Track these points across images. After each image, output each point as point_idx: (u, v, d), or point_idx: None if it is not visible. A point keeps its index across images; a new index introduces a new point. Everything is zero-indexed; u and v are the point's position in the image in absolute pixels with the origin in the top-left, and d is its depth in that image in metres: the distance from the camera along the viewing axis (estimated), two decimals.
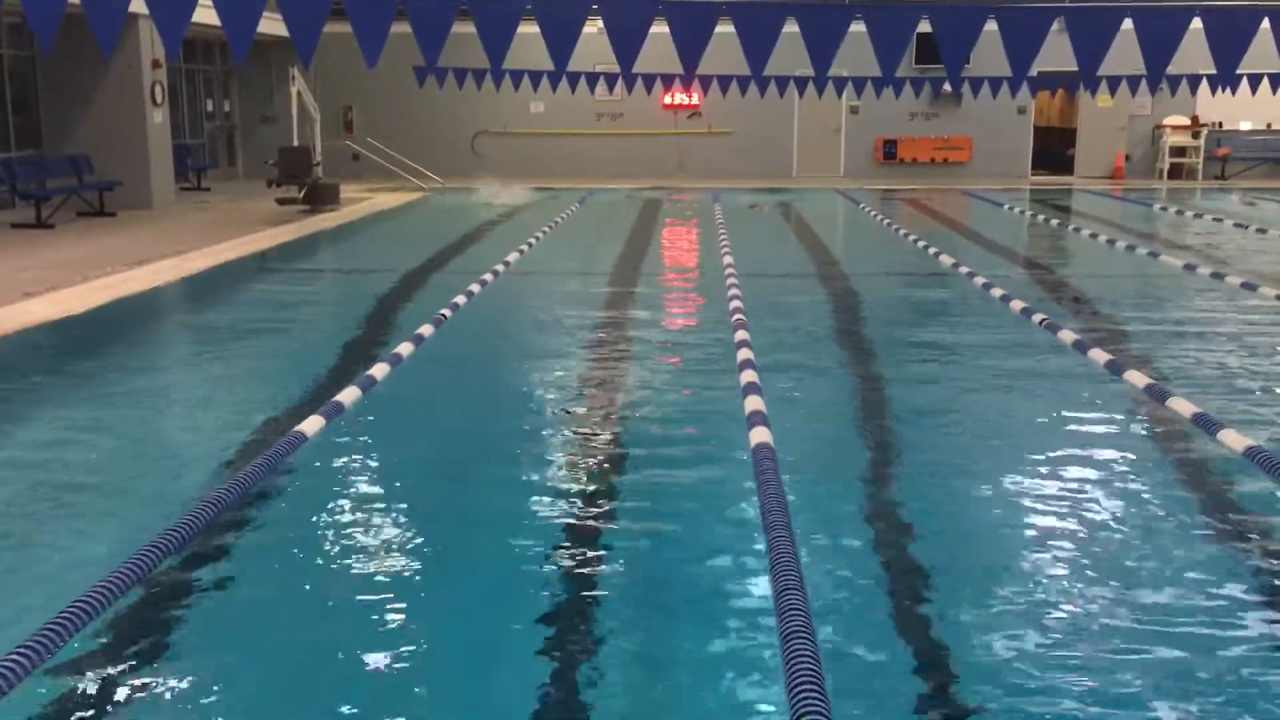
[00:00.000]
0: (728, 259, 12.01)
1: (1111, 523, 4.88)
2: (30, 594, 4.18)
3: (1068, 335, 8.07)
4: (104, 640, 3.76)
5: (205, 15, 6.79)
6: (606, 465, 5.62)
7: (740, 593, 4.19)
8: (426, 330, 8.17)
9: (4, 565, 4.51)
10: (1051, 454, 5.79)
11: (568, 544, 4.64)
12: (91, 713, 3.39)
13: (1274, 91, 14.71)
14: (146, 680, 3.58)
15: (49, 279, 10.75)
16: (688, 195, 21.35)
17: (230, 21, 6.72)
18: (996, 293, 9.93)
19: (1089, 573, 4.38)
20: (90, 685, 3.52)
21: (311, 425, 5.74)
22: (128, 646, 3.78)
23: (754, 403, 6.03)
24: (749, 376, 6.66)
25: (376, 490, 5.34)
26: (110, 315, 9.45)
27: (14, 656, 3.22)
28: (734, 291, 9.81)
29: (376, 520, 4.94)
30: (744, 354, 7.33)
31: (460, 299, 9.43)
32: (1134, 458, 5.77)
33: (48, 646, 3.34)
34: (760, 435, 5.40)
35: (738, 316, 8.67)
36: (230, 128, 24.81)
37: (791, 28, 6.82)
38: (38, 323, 8.84)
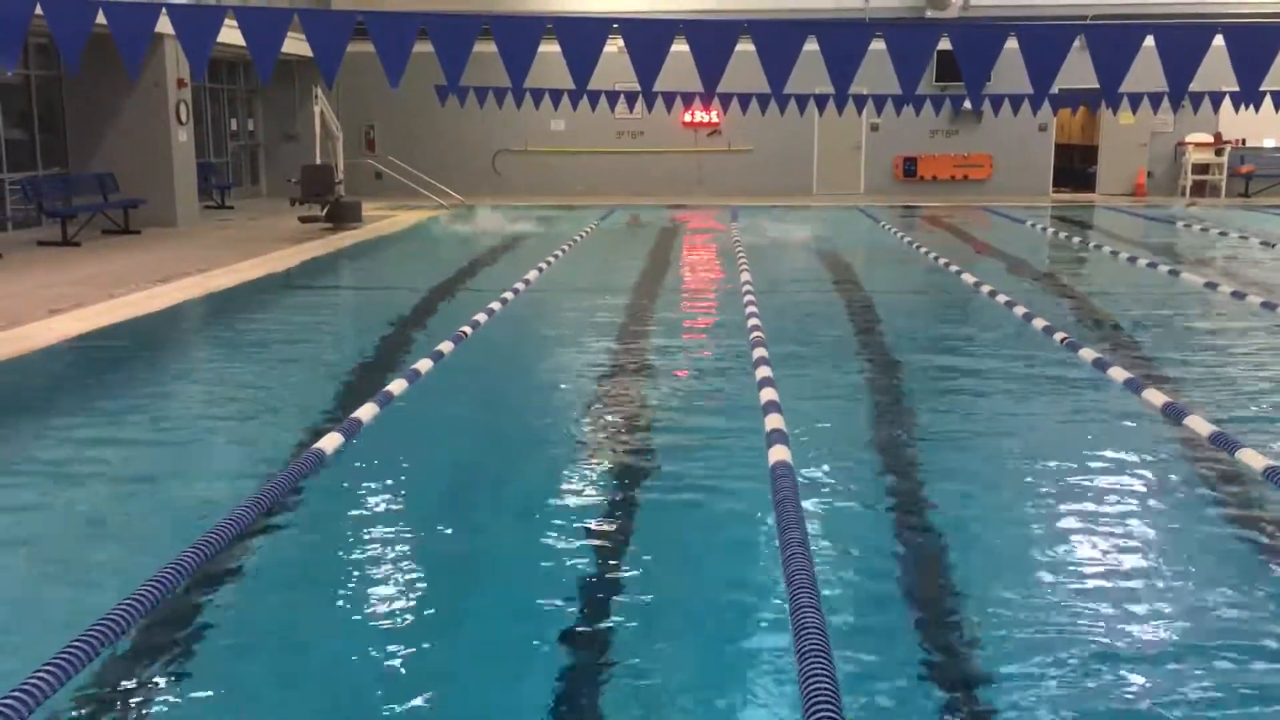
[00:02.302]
0: (745, 275, 12.01)
1: (1135, 541, 4.85)
2: (50, 611, 4.21)
3: (1088, 354, 8.04)
4: (121, 660, 3.78)
5: (230, 35, 6.87)
6: (626, 483, 5.62)
7: (758, 611, 4.18)
8: (446, 347, 8.20)
9: (27, 581, 4.55)
10: (1070, 472, 5.76)
11: (587, 561, 4.64)
12: None
13: None
14: (163, 701, 3.60)
15: (75, 296, 10.85)
16: (688, 216, 21.35)
17: (255, 42, 6.79)
18: (1019, 311, 9.89)
19: (1111, 594, 4.35)
20: (107, 704, 3.54)
21: (330, 442, 5.77)
22: (146, 666, 3.80)
23: (773, 421, 6.02)
24: (769, 395, 6.65)
25: (395, 506, 5.35)
26: (135, 332, 9.53)
27: (40, 674, 3.24)
28: (752, 309, 9.81)
29: (395, 536, 4.96)
30: (763, 371, 7.32)
31: (481, 316, 9.47)
32: (1155, 476, 5.74)
33: (73, 664, 3.36)
34: (779, 454, 5.40)
35: (756, 334, 8.67)
36: (254, 146, 25.01)
37: (812, 46, 6.84)
38: (63, 339, 8.93)
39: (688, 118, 24.00)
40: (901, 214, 21.06)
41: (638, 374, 7.98)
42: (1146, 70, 7.36)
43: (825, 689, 3.09)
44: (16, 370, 8.06)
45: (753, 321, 9.21)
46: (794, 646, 3.42)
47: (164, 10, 6.91)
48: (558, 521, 5.06)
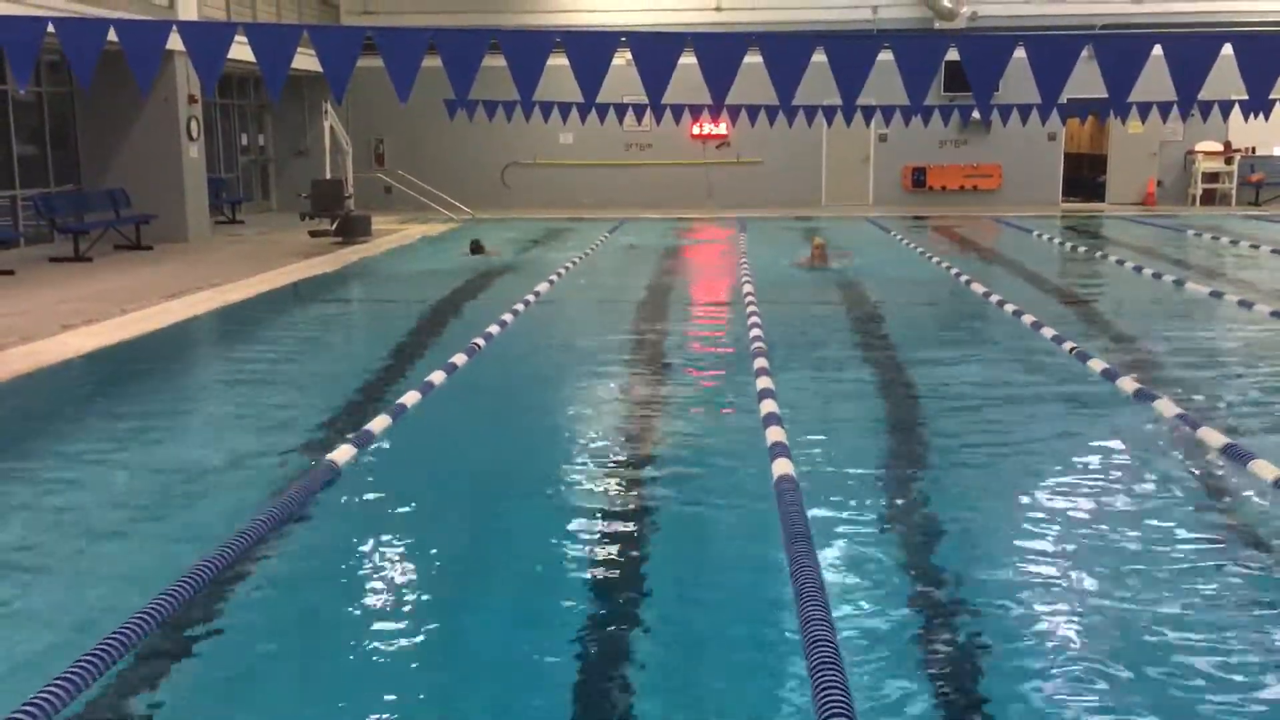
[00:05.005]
0: (748, 287, 12.02)
1: (1144, 552, 4.83)
2: (58, 625, 4.22)
3: (1097, 364, 8.03)
4: (139, 665, 3.79)
5: (240, 52, 6.90)
6: (633, 494, 5.62)
7: (768, 621, 4.17)
8: (459, 359, 8.22)
9: (36, 594, 4.57)
10: (1081, 485, 5.75)
11: (596, 573, 4.64)
12: None
13: None
14: (170, 702, 3.61)
15: (87, 312, 10.90)
16: (696, 231, 21.33)
17: (265, 58, 6.83)
18: (1027, 320, 9.88)
19: (1122, 606, 4.33)
20: (120, 709, 3.55)
21: (343, 454, 5.79)
22: (162, 673, 3.81)
23: (775, 434, 6.02)
24: (769, 406, 6.65)
25: (408, 518, 5.36)
26: (147, 347, 9.57)
27: (52, 687, 3.26)
28: (754, 319, 9.82)
29: (407, 547, 4.97)
30: (764, 382, 7.33)
31: (494, 328, 9.50)
32: (1167, 487, 5.72)
33: (89, 672, 3.37)
34: (782, 467, 5.40)
35: (758, 344, 8.68)
36: (264, 161, 25.12)
37: (820, 58, 6.84)
38: (75, 355, 8.96)
39: (696, 130, 24.04)
40: (911, 224, 21.04)
41: (643, 383, 7.98)
42: (1155, 79, 7.34)
43: (838, 701, 3.08)
44: (29, 386, 8.09)
45: (755, 333, 9.22)
46: (805, 659, 3.42)
47: (175, 27, 6.95)
48: (566, 531, 5.07)
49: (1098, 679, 3.72)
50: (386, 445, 6.32)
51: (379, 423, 6.44)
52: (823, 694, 3.13)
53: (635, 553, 4.86)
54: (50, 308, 11.22)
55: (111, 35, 6.72)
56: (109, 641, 3.55)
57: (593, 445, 6.53)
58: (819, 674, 3.24)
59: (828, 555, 4.68)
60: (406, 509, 5.48)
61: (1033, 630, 4.09)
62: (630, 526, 5.16)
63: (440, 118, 16.96)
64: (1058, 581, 4.54)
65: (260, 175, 25.06)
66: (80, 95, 17.51)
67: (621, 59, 7.48)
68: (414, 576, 4.71)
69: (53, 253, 15.89)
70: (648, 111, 12.39)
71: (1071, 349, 8.58)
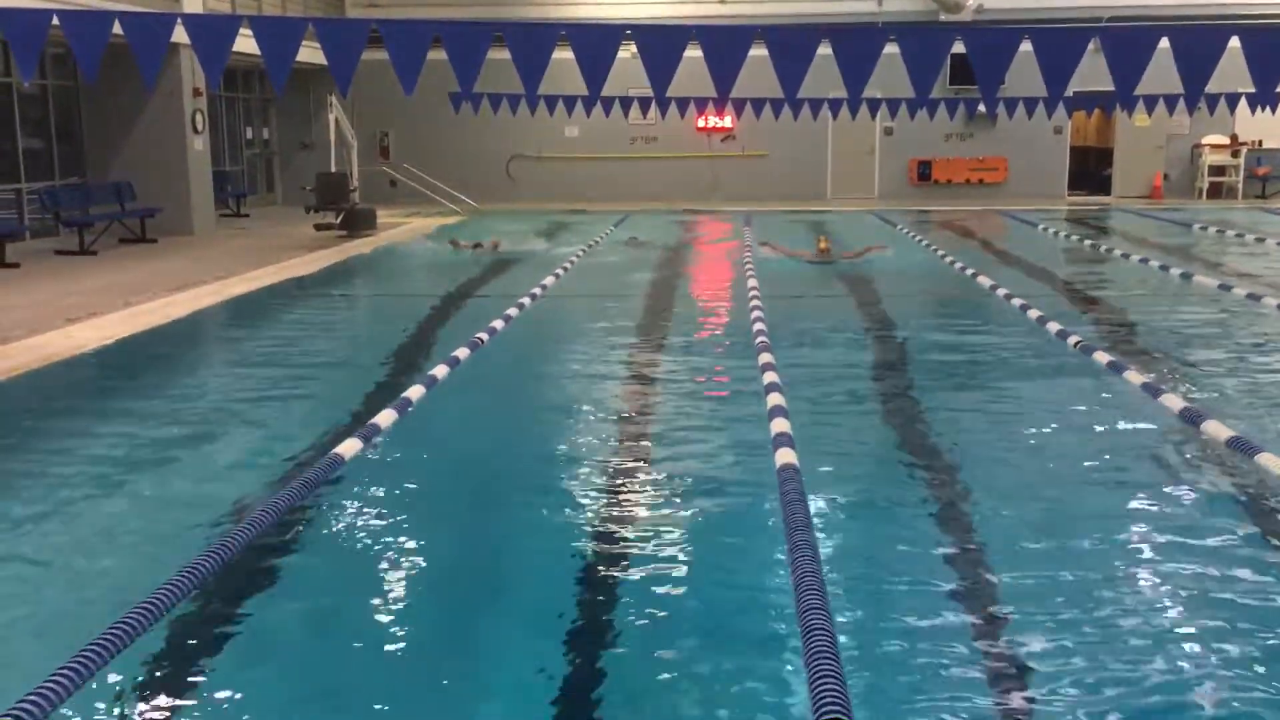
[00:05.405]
0: (752, 280, 12.01)
1: (1147, 545, 4.83)
2: (71, 617, 4.23)
3: (1102, 357, 8.01)
4: (139, 662, 3.79)
5: (245, 44, 6.90)
6: (637, 488, 5.62)
7: (769, 614, 4.17)
8: (462, 353, 8.22)
9: (41, 590, 4.58)
10: (1085, 473, 5.75)
11: (601, 564, 4.65)
12: None
13: None
14: (182, 700, 3.62)
15: (92, 305, 10.91)
16: (700, 222, 21.30)
17: (270, 51, 6.83)
18: (1033, 314, 9.86)
19: (1121, 592, 4.33)
20: (122, 706, 3.56)
21: (349, 448, 5.79)
22: (165, 668, 3.82)
23: (779, 425, 6.03)
24: (775, 399, 6.65)
25: (412, 511, 5.36)
26: (152, 340, 9.58)
27: (53, 681, 3.26)
28: (758, 312, 9.81)
29: (411, 541, 4.97)
30: (770, 377, 7.32)
31: (498, 323, 9.50)
32: (1168, 477, 5.71)
33: (93, 662, 3.38)
34: (785, 457, 5.40)
35: (761, 339, 8.67)
36: (269, 154, 25.13)
37: (825, 50, 6.82)
38: (80, 348, 8.97)
39: (701, 123, 24.01)
40: (916, 218, 21.00)
41: (646, 379, 7.98)
42: (1162, 72, 7.32)
43: (833, 690, 3.09)
44: (34, 380, 8.09)
45: (758, 325, 9.22)
46: (802, 648, 3.42)
47: (180, 20, 6.95)
48: (571, 524, 5.08)
49: (1100, 671, 3.72)
50: (391, 439, 6.32)
51: (384, 416, 6.44)
52: (817, 682, 3.14)
53: (639, 546, 4.86)
54: (55, 301, 11.24)
55: (116, 28, 6.73)
56: (109, 635, 3.55)
57: (598, 437, 6.53)
58: (814, 662, 3.25)
59: (827, 545, 4.70)
60: (412, 502, 5.49)
61: (1036, 621, 4.08)
62: (635, 518, 5.16)
63: (445, 111, 16.97)
64: (1063, 572, 4.53)
65: (265, 168, 25.08)
66: (85, 88, 17.52)
67: (626, 52, 7.47)
68: (419, 570, 4.71)
69: (58, 246, 15.92)
70: (653, 104, 12.37)
71: (1076, 342, 8.57)
